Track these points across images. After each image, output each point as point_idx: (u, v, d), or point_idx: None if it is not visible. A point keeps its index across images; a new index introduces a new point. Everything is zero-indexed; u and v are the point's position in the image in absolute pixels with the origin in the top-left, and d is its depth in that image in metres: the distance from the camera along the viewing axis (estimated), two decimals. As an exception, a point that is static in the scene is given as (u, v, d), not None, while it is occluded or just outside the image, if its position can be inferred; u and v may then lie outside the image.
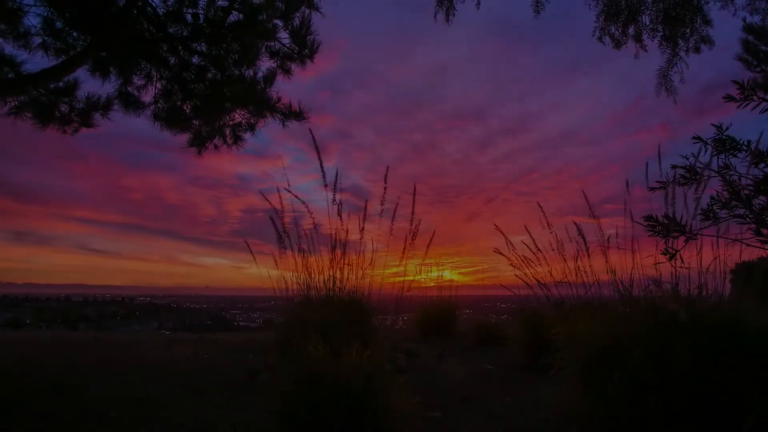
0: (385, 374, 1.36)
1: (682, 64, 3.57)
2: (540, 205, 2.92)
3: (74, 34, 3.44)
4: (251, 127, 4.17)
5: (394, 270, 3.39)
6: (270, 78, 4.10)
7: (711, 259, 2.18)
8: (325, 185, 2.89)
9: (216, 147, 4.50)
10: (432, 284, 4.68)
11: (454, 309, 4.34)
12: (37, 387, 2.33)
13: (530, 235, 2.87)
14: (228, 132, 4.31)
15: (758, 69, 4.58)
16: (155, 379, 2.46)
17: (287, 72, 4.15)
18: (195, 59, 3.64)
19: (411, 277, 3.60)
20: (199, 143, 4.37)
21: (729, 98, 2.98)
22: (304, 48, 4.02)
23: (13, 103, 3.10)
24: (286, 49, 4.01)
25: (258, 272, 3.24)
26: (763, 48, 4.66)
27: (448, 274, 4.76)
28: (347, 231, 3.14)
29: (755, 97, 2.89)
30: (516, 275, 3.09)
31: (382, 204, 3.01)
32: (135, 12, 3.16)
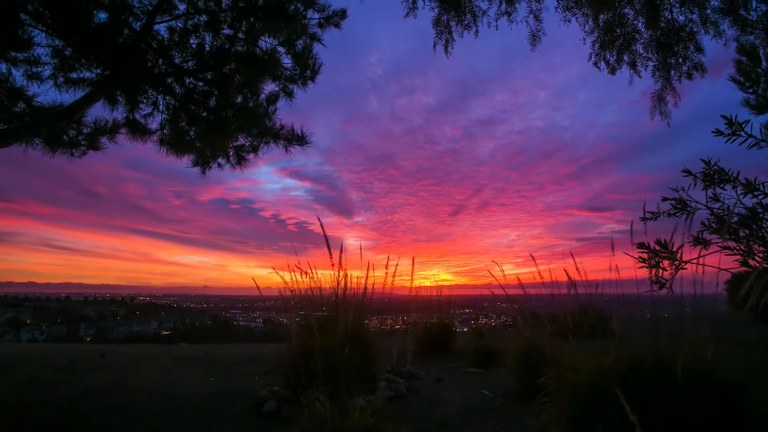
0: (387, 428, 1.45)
1: (674, 94, 3.66)
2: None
3: (82, 60, 3.54)
4: (254, 149, 4.26)
5: (389, 271, 3.57)
6: (272, 99, 4.19)
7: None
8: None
9: (220, 166, 4.60)
10: (428, 284, 4.83)
11: (452, 326, 4.45)
12: (50, 417, 2.43)
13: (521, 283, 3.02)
14: (232, 153, 4.40)
15: (751, 90, 4.69)
16: (164, 407, 2.56)
17: (289, 94, 4.24)
18: (200, 85, 3.73)
19: (407, 279, 3.78)
20: (203, 163, 4.47)
21: (718, 132, 3.09)
22: (306, 69, 4.11)
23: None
24: (288, 72, 4.10)
25: (249, 272, 3.39)
26: (756, 69, 4.77)
27: (443, 275, 4.91)
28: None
29: (742, 133, 3.00)
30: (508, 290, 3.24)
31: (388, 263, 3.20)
32: (141, 43, 3.24)
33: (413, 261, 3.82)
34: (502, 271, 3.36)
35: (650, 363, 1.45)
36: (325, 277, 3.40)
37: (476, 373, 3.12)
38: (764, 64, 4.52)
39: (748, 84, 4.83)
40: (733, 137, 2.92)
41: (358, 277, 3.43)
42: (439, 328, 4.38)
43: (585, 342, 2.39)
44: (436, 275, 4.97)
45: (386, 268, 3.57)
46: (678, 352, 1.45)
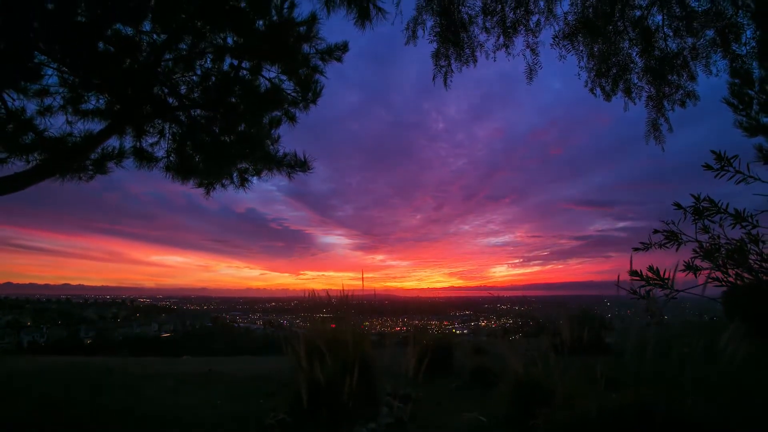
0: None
1: (667, 121, 3.76)
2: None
3: (92, 91, 3.64)
4: (257, 172, 4.36)
5: (384, 273, 3.67)
6: (275, 123, 4.29)
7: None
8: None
9: (224, 187, 4.71)
10: (425, 287, 4.95)
11: (451, 345, 4.54)
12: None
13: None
14: (235, 175, 4.51)
15: (743, 113, 4.78)
16: (174, 433, 2.66)
17: (291, 119, 4.34)
18: (205, 113, 3.83)
19: (403, 281, 3.88)
20: (207, 184, 4.57)
21: (707, 167, 3.19)
22: (308, 93, 4.20)
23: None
24: (291, 95, 4.20)
25: (238, 273, 3.50)
26: (749, 92, 4.85)
27: (438, 276, 5.02)
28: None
29: (731, 168, 3.10)
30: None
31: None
32: (149, 76, 3.33)
33: (406, 264, 3.91)
34: (490, 288, 3.44)
35: (633, 410, 1.55)
36: (321, 279, 3.53)
37: (474, 396, 3.22)
38: (756, 86, 4.61)
39: (741, 107, 4.93)
40: (722, 172, 3.02)
41: (352, 279, 3.55)
42: (438, 346, 4.47)
43: (583, 358, 2.51)
44: (429, 277, 5.08)
45: (380, 270, 3.67)
46: (659, 397, 1.55)
